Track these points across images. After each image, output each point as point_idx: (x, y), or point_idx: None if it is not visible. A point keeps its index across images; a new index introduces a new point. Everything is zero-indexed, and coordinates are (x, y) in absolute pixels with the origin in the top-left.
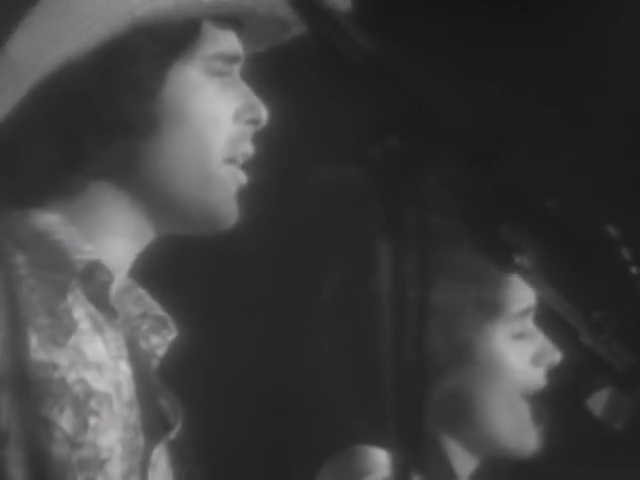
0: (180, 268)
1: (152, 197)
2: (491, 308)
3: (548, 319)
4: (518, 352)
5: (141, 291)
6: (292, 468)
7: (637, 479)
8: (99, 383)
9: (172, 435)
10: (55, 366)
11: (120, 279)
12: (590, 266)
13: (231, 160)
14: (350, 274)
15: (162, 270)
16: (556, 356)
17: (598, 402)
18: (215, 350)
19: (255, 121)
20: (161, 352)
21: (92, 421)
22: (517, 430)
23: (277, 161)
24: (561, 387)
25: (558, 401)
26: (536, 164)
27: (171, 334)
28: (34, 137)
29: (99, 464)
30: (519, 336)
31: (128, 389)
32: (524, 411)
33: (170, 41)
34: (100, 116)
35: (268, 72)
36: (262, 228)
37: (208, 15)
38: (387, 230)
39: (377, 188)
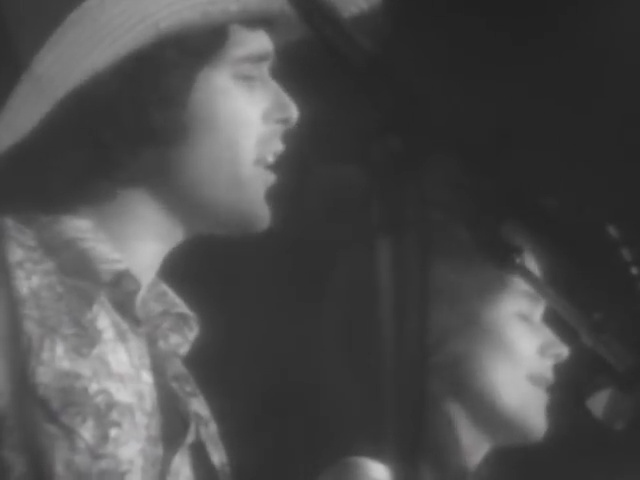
0: (185, 272)
1: (184, 202)
2: (497, 282)
3: (549, 319)
4: (523, 333)
5: (164, 287)
6: (289, 477)
7: (637, 479)
8: (122, 394)
9: (190, 438)
10: (78, 376)
11: (147, 279)
12: (590, 266)
13: (260, 161)
14: (349, 273)
15: (182, 269)
16: (563, 350)
17: (598, 402)
18: (225, 349)
19: (285, 120)
20: (183, 351)
21: (113, 432)
22: (521, 407)
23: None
24: (562, 387)
25: (558, 401)
26: (536, 164)
27: (192, 332)
28: (63, 147)
29: (119, 476)
30: (525, 317)
31: (150, 399)
32: (529, 392)
33: (197, 50)
34: (128, 127)
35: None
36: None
37: (235, 21)
38: (387, 229)
39: (378, 187)
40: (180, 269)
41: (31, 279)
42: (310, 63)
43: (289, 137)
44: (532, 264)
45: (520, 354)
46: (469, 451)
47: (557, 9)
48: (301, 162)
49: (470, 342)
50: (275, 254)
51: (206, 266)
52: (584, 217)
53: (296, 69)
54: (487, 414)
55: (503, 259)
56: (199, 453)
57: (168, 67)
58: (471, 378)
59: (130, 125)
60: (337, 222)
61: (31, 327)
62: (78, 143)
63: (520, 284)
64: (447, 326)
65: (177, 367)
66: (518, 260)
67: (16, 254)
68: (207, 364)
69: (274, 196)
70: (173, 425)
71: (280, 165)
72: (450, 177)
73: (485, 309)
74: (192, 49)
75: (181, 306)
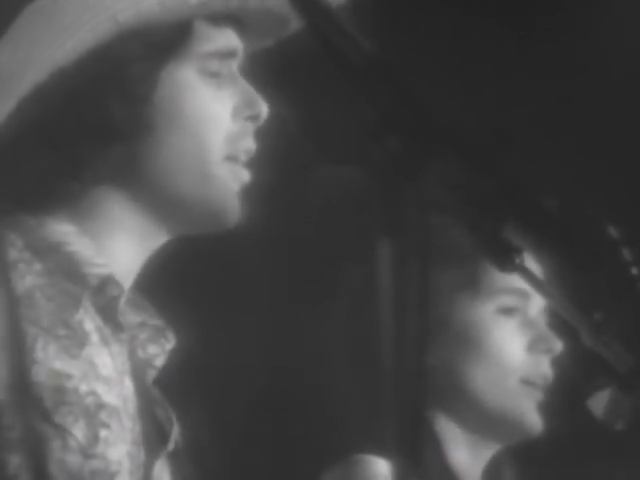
0: (185, 273)
1: (154, 199)
2: (469, 282)
3: (550, 320)
4: (507, 331)
5: (142, 300)
6: (291, 476)
7: (637, 479)
8: (109, 396)
9: (170, 446)
10: (69, 376)
11: (128, 285)
12: (591, 267)
13: (232, 158)
14: (348, 273)
15: (166, 277)
16: (555, 344)
17: (599, 403)
18: (216, 353)
19: (254, 117)
20: (159, 362)
21: (103, 433)
22: (513, 406)
23: (278, 161)
24: (562, 387)
25: (559, 401)
26: (537, 164)
27: (169, 343)
28: (28, 148)
29: (109, 476)
30: (510, 311)
31: (132, 403)
32: (520, 391)
33: (159, 44)
34: (90, 123)
35: (268, 72)
36: (262, 228)
37: (197, 15)
38: (387, 230)
39: (377, 188)
40: (161, 277)
41: (25, 279)
42: (309, 63)
43: (289, 137)
44: (532, 264)
45: (505, 354)
46: (463, 467)
47: (558, 8)
48: (300, 163)
49: (444, 349)
50: (272, 255)
51: (197, 269)
52: (584, 217)
53: (295, 69)
54: (478, 423)
55: (503, 259)
56: (179, 463)
57: (130, 61)
58: (454, 388)
59: (92, 122)
60: (336, 223)
61: (25, 326)
62: (42, 143)
63: (498, 280)
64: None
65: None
66: (518, 260)
67: (9, 254)
68: (203, 368)
69: (274, 197)
70: (152, 431)
71: (280, 166)
72: (450, 178)
73: (456, 312)
74: (155, 43)
75: (158, 318)
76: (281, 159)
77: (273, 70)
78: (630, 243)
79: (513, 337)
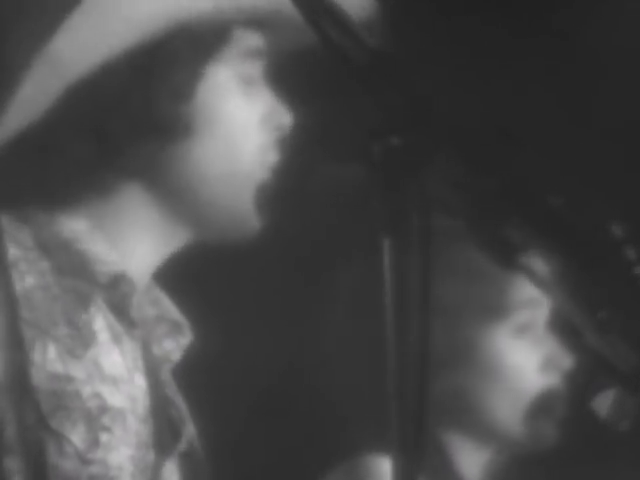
0: (195, 272)
1: (180, 201)
2: (493, 305)
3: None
4: (519, 351)
5: (159, 293)
6: (295, 476)
7: None
8: (115, 398)
9: (182, 446)
10: (70, 379)
11: (142, 282)
12: (595, 266)
13: (259, 169)
14: (352, 272)
15: (182, 274)
16: (566, 361)
17: (603, 403)
18: (222, 354)
19: (279, 128)
20: (175, 357)
21: (104, 437)
22: (527, 427)
23: (279, 160)
24: (566, 388)
25: (563, 402)
26: (540, 163)
27: (185, 339)
28: (69, 133)
29: None
30: (522, 329)
31: (143, 403)
32: (534, 411)
33: (205, 45)
34: (135, 116)
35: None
36: (266, 227)
37: (243, 19)
38: (390, 229)
39: (380, 187)
40: (178, 274)
41: (24, 279)
42: (311, 60)
43: (292, 137)
44: (536, 263)
45: (518, 372)
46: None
47: (560, 5)
48: (304, 161)
49: (467, 377)
50: (276, 255)
51: (204, 270)
52: (588, 215)
53: (299, 68)
54: (488, 437)
55: (507, 258)
56: (191, 461)
57: (179, 59)
58: (470, 410)
59: (138, 115)
60: (339, 221)
61: (23, 328)
62: (85, 129)
63: (518, 293)
64: (442, 358)
65: (168, 375)
66: (522, 259)
67: (11, 252)
68: (207, 369)
69: (276, 197)
70: (165, 431)
71: (283, 164)
72: (452, 176)
73: (482, 340)
74: (201, 43)
75: (175, 313)
76: (284, 158)
77: (273, 68)
78: (634, 242)
79: (526, 360)
